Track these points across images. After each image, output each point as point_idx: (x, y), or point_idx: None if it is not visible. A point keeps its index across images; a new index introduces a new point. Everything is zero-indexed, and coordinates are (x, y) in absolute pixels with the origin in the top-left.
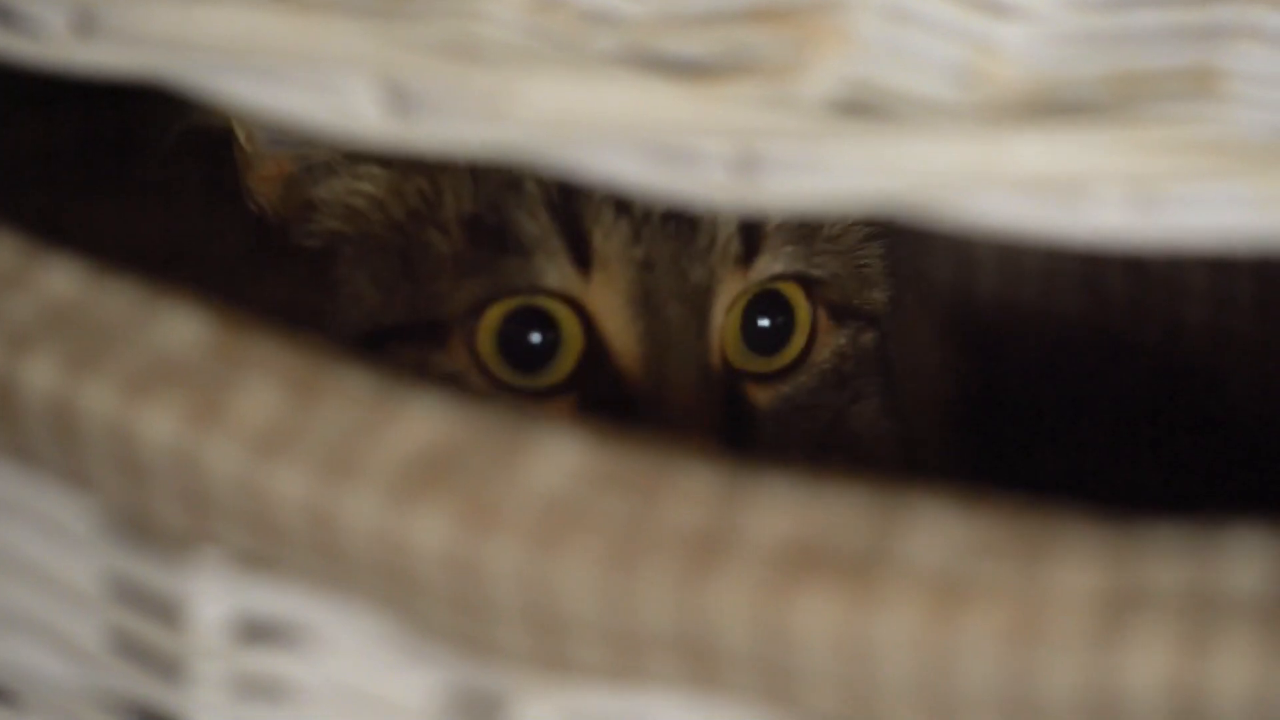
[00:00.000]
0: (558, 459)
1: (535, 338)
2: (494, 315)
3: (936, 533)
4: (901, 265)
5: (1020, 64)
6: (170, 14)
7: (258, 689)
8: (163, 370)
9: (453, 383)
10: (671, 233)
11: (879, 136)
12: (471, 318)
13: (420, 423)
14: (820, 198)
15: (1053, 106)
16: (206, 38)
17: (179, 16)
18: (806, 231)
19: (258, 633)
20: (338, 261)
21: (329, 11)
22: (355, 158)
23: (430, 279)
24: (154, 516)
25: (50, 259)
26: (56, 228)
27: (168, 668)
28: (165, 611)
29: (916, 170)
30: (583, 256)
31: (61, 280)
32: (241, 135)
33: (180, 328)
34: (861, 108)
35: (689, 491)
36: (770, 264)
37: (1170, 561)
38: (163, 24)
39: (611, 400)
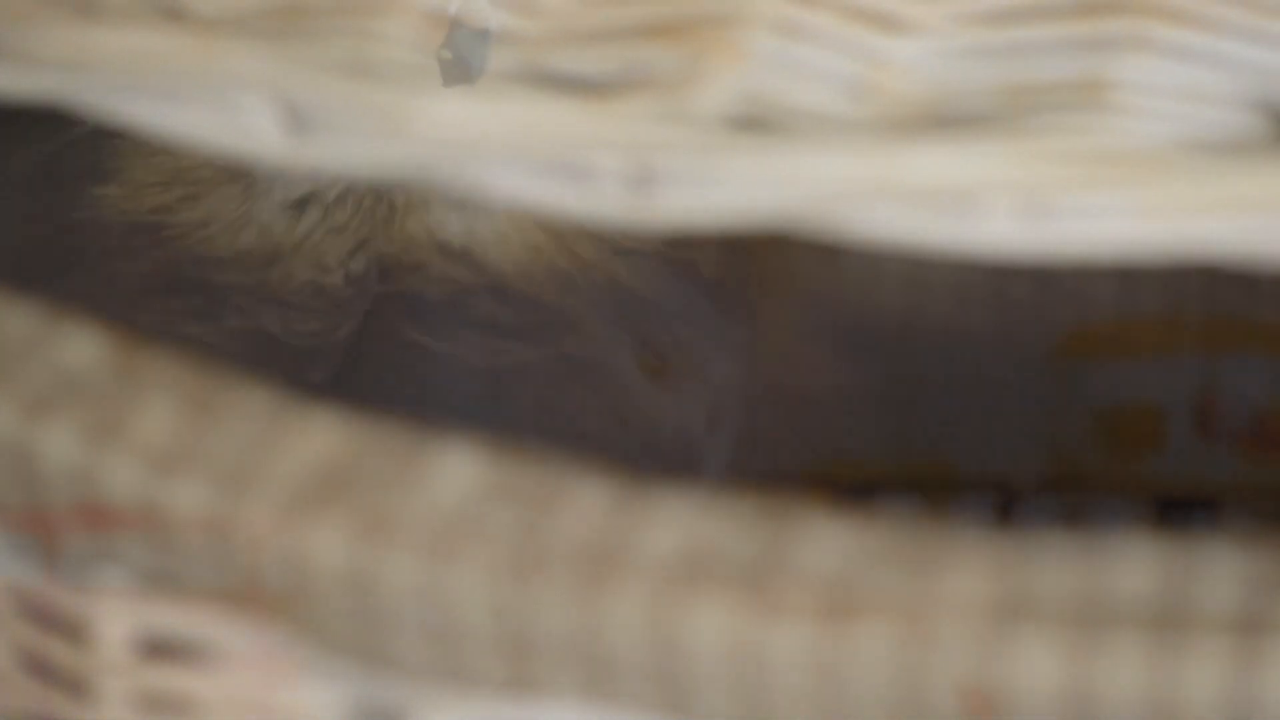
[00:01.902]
0: (453, 473)
1: None
2: None
3: (827, 542)
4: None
5: (912, 77)
6: (68, 36)
7: (162, 705)
8: (62, 389)
9: None
10: None
11: (773, 150)
12: None
13: (317, 438)
14: (717, 212)
15: (945, 119)
16: (105, 59)
17: (77, 38)
18: None
19: (161, 649)
20: None
21: (226, 32)
22: None
23: None
24: (56, 535)
25: None
26: None
27: (74, 686)
28: (70, 630)
29: (811, 183)
30: None
31: None
32: None
33: (80, 347)
34: (756, 122)
35: (582, 504)
36: None
37: (1058, 568)
38: (61, 46)
39: None
